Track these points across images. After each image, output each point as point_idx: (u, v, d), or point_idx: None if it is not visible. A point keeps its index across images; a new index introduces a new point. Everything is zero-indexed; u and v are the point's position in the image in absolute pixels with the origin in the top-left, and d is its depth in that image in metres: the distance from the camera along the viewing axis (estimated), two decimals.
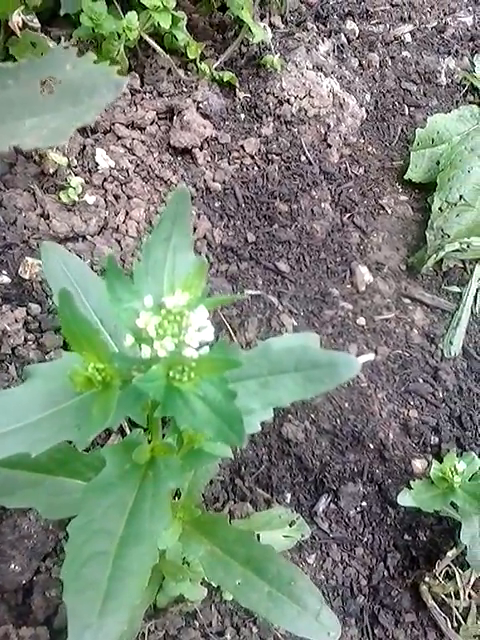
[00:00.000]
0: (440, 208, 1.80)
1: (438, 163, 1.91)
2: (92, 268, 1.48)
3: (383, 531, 1.44)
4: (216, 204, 1.74)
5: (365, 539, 1.42)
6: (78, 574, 0.68)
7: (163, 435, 0.88)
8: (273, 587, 0.93)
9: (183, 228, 0.76)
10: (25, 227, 1.52)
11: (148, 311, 0.63)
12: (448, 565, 1.37)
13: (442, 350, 1.68)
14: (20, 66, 0.71)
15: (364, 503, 1.46)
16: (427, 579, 1.36)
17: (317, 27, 2.12)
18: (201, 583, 1.19)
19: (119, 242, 1.57)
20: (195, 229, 1.66)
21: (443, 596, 1.35)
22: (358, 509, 1.45)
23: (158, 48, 1.79)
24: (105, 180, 1.64)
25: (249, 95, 1.89)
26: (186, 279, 0.68)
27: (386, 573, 1.39)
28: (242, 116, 1.87)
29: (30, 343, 1.39)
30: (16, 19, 1.36)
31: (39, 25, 1.46)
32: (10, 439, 0.66)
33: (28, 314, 1.41)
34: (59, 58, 0.70)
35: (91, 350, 0.66)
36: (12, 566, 1.19)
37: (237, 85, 1.88)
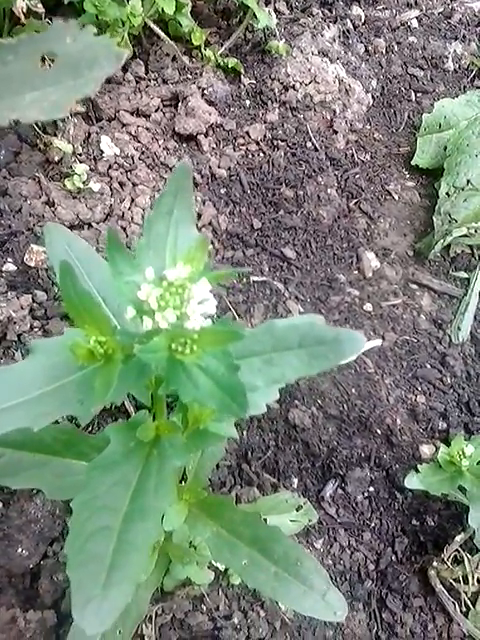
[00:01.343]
0: (447, 193, 1.78)
1: (445, 148, 1.89)
2: None
3: (391, 516, 1.43)
4: (221, 191, 1.73)
5: (372, 524, 1.42)
6: (82, 548, 0.68)
7: (168, 417, 0.88)
8: (279, 567, 0.93)
9: (185, 202, 0.76)
10: (30, 215, 1.52)
11: (149, 283, 0.63)
12: (456, 550, 1.36)
13: (450, 336, 1.67)
14: (20, 41, 0.70)
15: (371, 488, 1.45)
16: (435, 564, 1.36)
17: (322, 12, 2.11)
18: (208, 567, 1.19)
19: (124, 229, 1.57)
20: (200, 216, 1.65)
21: (451, 581, 1.34)
22: (365, 494, 1.44)
23: (162, 35, 1.79)
24: (110, 167, 1.63)
25: (254, 81, 1.89)
26: (188, 252, 0.68)
27: (394, 558, 1.39)
28: (247, 102, 1.86)
29: (36, 330, 1.39)
30: (20, 4, 1.36)
31: (43, 10, 1.46)
32: (12, 413, 0.66)
33: (34, 301, 1.41)
34: (59, 32, 0.69)
35: (93, 323, 0.66)
36: (19, 550, 1.19)
37: (242, 71, 1.87)
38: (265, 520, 1.16)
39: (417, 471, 1.33)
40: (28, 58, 0.71)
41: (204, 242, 0.69)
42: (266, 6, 2.00)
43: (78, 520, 0.71)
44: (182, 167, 0.75)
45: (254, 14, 1.80)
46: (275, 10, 2.02)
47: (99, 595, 0.64)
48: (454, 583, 1.36)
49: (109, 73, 0.66)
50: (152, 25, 1.76)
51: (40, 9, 1.44)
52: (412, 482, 1.31)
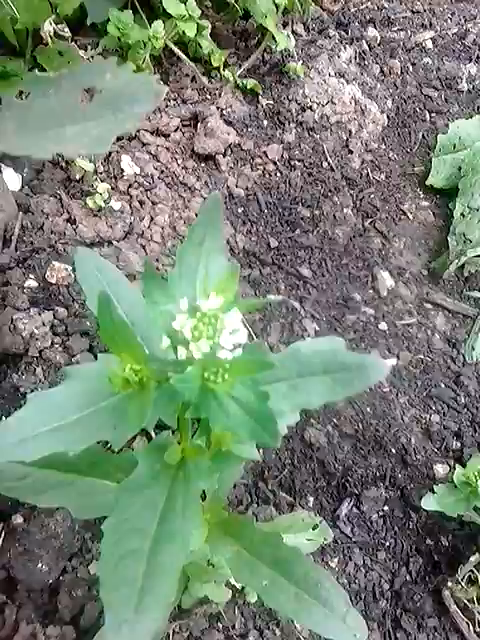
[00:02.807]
0: (462, 214, 1.80)
1: (460, 169, 1.91)
2: None
3: (405, 536, 1.44)
4: (239, 210, 1.75)
5: (387, 543, 1.43)
6: (114, 571, 0.70)
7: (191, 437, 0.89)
8: (300, 589, 0.94)
9: (215, 233, 0.78)
10: (52, 232, 1.55)
11: (184, 314, 0.65)
12: (471, 570, 1.37)
13: (464, 355, 1.68)
14: (61, 76, 0.73)
15: (386, 507, 1.46)
16: (449, 584, 1.36)
17: (339, 34, 2.14)
18: (225, 585, 1.20)
19: (144, 247, 1.59)
20: None
21: (466, 601, 1.35)
22: (380, 513, 1.45)
23: (183, 56, 1.82)
24: (130, 186, 1.66)
25: (272, 102, 1.91)
26: (219, 283, 0.70)
27: (408, 577, 1.40)
28: (265, 123, 1.89)
29: (57, 346, 1.41)
30: (47, 28, 1.39)
31: (70, 34, 1.49)
32: (48, 438, 0.68)
33: (55, 317, 1.44)
34: (99, 68, 0.72)
35: (128, 352, 0.68)
36: (39, 565, 1.21)
37: (260, 92, 1.90)
38: (283, 540, 1.17)
39: (433, 491, 1.34)
40: (69, 92, 0.73)
41: (234, 272, 0.71)
42: (284, 28, 2.03)
43: (108, 543, 0.72)
44: (213, 199, 0.77)
45: (273, 36, 1.84)
46: (293, 32, 2.05)
47: (131, 619, 0.66)
48: (468, 603, 1.36)
49: (149, 109, 0.69)
50: (173, 47, 1.79)
51: (67, 33, 1.48)
52: (429, 503, 1.32)
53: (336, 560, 1.39)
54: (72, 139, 0.69)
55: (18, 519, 1.24)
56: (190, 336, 0.64)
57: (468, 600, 1.36)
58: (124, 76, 0.73)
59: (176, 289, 0.72)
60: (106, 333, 0.67)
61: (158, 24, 1.71)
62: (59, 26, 1.46)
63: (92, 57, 1.79)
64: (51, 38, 1.48)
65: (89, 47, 1.83)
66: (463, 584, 1.37)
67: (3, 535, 1.23)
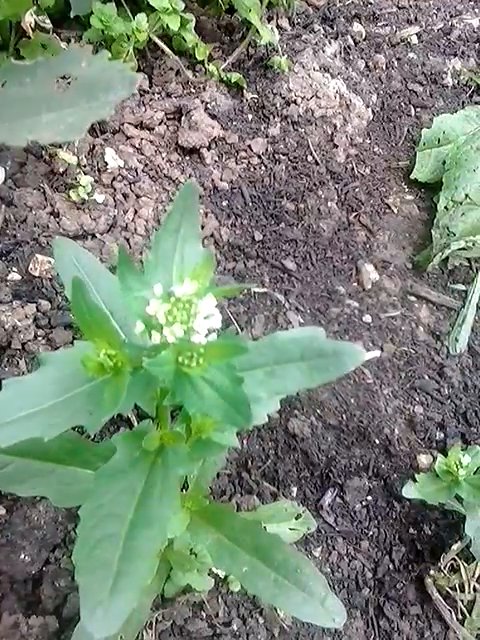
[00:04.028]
0: (446, 207, 1.81)
1: (444, 163, 1.92)
2: None
3: (388, 525, 1.45)
4: (223, 203, 1.76)
5: (370, 533, 1.44)
6: (90, 555, 0.70)
7: (172, 426, 0.90)
8: (279, 574, 0.95)
9: (191, 220, 0.78)
10: (35, 225, 1.55)
11: (158, 299, 0.65)
12: (453, 558, 1.38)
13: (448, 347, 1.70)
14: (37, 64, 0.74)
15: (369, 497, 1.47)
16: (432, 572, 1.38)
17: (324, 29, 2.15)
18: (208, 574, 1.21)
19: (128, 240, 1.59)
20: (203, 228, 1.68)
21: (448, 589, 1.36)
22: (364, 503, 1.47)
23: (167, 49, 1.82)
24: (114, 179, 1.66)
25: (256, 96, 1.92)
26: (195, 269, 0.70)
27: (391, 566, 1.41)
28: (249, 116, 1.89)
29: (40, 339, 1.41)
30: (28, 19, 1.39)
31: (51, 26, 1.49)
32: (24, 424, 0.68)
33: (38, 310, 1.44)
34: (74, 56, 0.72)
35: (103, 337, 0.69)
36: (22, 556, 1.21)
37: (245, 86, 1.90)
38: (265, 528, 1.18)
39: (415, 480, 1.36)
40: (44, 80, 0.74)
41: (210, 259, 0.71)
42: (269, 22, 2.03)
43: (85, 527, 0.73)
44: (189, 186, 0.78)
45: (257, 30, 1.84)
46: (277, 26, 2.06)
47: (106, 600, 0.66)
48: (451, 591, 1.38)
49: (124, 96, 0.69)
50: (157, 40, 1.79)
51: (48, 24, 1.48)
52: (410, 491, 1.33)
53: (319, 549, 1.40)
54: (47, 126, 0.69)
55: (0, 510, 1.24)
56: (164, 321, 0.64)
57: (450, 588, 1.38)
58: (99, 64, 0.73)
59: (151, 275, 0.72)
60: (80, 318, 0.68)
61: (142, 17, 1.70)
62: (40, 18, 1.46)
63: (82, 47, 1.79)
64: (33, 30, 1.47)
65: (73, 40, 1.83)
66: (445, 572, 1.38)
67: None
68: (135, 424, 1.34)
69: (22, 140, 0.69)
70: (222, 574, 1.25)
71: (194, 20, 1.81)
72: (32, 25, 1.43)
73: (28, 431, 0.68)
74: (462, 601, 1.36)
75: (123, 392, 0.68)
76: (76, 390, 0.71)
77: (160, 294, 0.66)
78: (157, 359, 0.64)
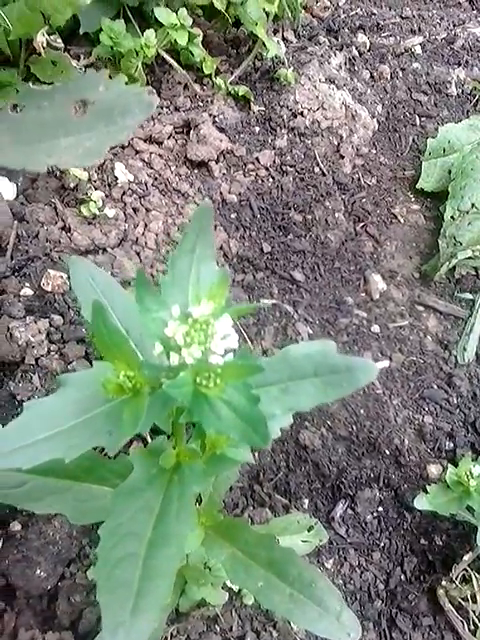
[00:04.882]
0: (452, 216, 1.82)
1: (449, 172, 1.93)
2: None
3: (400, 536, 1.45)
4: (232, 215, 1.77)
5: (382, 544, 1.44)
6: (110, 575, 0.71)
7: (186, 441, 0.91)
8: (294, 589, 0.95)
9: (206, 240, 0.80)
10: (47, 240, 1.56)
11: (176, 320, 0.66)
12: (464, 569, 1.39)
13: (456, 356, 1.70)
14: (54, 88, 0.75)
15: (380, 508, 1.48)
16: (444, 583, 1.38)
17: (329, 40, 2.16)
18: (222, 588, 1.21)
19: (138, 254, 1.61)
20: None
21: (460, 600, 1.36)
22: (375, 514, 1.47)
23: (175, 64, 1.84)
24: (124, 193, 1.68)
25: (263, 108, 1.93)
26: (211, 289, 0.71)
27: (403, 577, 1.41)
28: (257, 129, 1.91)
29: (53, 353, 1.43)
30: (40, 39, 1.41)
31: (62, 45, 1.51)
32: (45, 446, 0.69)
33: (51, 325, 1.45)
34: (92, 80, 0.73)
35: (122, 359, 0.70)
36: (38, 572, 1.22)
37: (252, 99, 1.92)
38: (278, 541, 1.19)
39: (426, 492, 1.36)
40: (62, 105, 0.75)
41: (225, 278, 0.72)
42: (275, 35, 2.05)
43: (105, 547, 0.74)
44: (203, 207, 0.79)
45: (263, 43, 1.86)
46: (283, 39, 2.08)
47: (128, 621, 0.67)
48: (463, 602, 1.38)
49: (141, 120, 0.70)
50: (165, 55, 1.81)
51: (59, 44, 1.50)
52: (421, 503, 1.33)
53: (331, 561, 1.40)
54: (66, 151, 0.70)
55: (16, 526, 1.25)
56: (182, 342, 0.65)
57: (462, 599, 1.38)
58: (116, 88, 0.74)
59: (168, 296, 0.73)
60: (100, 341, 0.69)
61: (150, 33, 1.73)
62: (52, 37, 1.48)
63: (85, 66, 1.81)
64: (44, 49, 1.49)
65: (82, 56, 1.85)
66: (457, 583, 1.38)
67: (1, 542, 1.24)
68: (148, 438, 1.35)
69: (42, 165, 0.71)
70: (236, 588, 1.26)
71: (201, 34, 1.83)
72: (44, 44, 1.45)
73: (49, 453, 0.69)
74: (474, 612, 1.36)
75: (143, 413, 0.69)
76: (95, 411, 0.72)
77: (178, 315, 0.67)
78: (176, 381, 0.65)
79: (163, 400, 0.72)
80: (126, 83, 0.74)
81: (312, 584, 0.96)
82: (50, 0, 1.33)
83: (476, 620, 1.36)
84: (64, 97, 0.75)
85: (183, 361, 0.65)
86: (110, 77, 1.72)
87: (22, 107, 0.77)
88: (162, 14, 1.72)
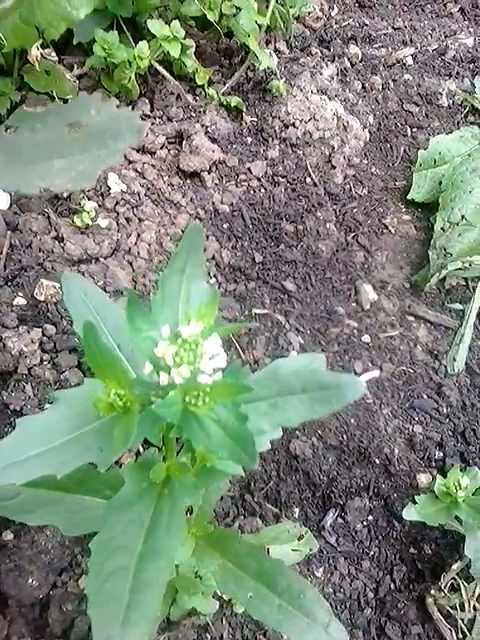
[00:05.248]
0: (442, 228, 1.84)
1: (440, 183, 1.95)
2: (105, 289, 1.53)
3: (389, 545, 1.47)
4: (224, 225, 1.79)
5: (372, 552, 1.46)
6: (101, 588, 0.72)
7: (177, 453, 0.92)
8: (283, 600, 0.97)
9: (196, 260, 0.81)
10: (40, 250, 1.57)
11: (165, 340, 0.68)
12: (453, 578, 1.40)
13: (446, 366, 1.72)
14: (48, 111, 0.76)
15: (370, 517, 1.49)
16: (433, 591, 1.40)
17: (321, 51, 2.18)
18: (213, 596, 1.23)
19: (131, 264, 1.62)
20: (204, 250, 1.71)
21: (449, 608, 1.38)
22: (365, 523, 1.49)
23: (168, 75, 1.86)
24: (117, 203, 1.69)
25: (256, 119, 1.95)
26: (199, 309, 0.73)
27: (392, 586, 1.43)
28: (249, 140, 1.92)
29: (45, 363, 1.44)
30: (35, 53, 1.42)
31: (56, 58, 1.52)
32: (37, 461, 0.71)
33: (43, 335, 1.46)
34: (84, 103, 0.75)
35: (113, 377, 0.71)
36: (30, 581, 1.23)
37: (244, 109, 1.94)
38: (268, 550, 1.20)
39: (414, 502, 1.38)
40: (55, 127, 0.76)
41: (214, 298, 0.74)
42: (267, 46, 2.07)
43: (96, 561, 0.75)
44: (194, 228, 0.81)
45: (255, 55, 1.87)
46: (276, 50, 2.09)
47: (118, 635, 0.69)
48: (451, 610, 1.40)
49: (132, 144, 0.72)
50: (158, 66, 1.83)
51: (53, 57, 1.51)
52: (410, 513, 1.35)
53: (321, 570, 1.42)
54: (59, 173, 0.72)
55: (8, 535, 1.26)
56: (171, 362, 0.67)
57: (451, 607, 1.40)
58: (108, 111, 0.76)
59: (158, 315, 0.75)
60: (91, 360, 0.70)
61: (143, 44, 1.74)
62: (46, 51, 1.49)
63: (78, 77, 1.82)
64: (38, 61, 1.50)
65: (75, 66, 1.86)
66: (446, 591, 1.40)
67: None
68: (140, 449, 1.36)
69: (34, 187, 0.72)
70: (226, 597, 1.27)
71: (194, 45, 1.85)
72: (38, 58, 1.47)
73: (41, 468, 0.71)
74: (462, 620, 1.38)
75: (133, 430, 0.70)
76: (87, 428, 0.73)
77: (168, 335, 0.68)
78: (165, 400, 0.67)
79: (153, 417, 0.73)
80: (117, 106, 0.75)
81: (301, 595, 0.98)
82: (44, 14, 1.34)
83: (464, 628, 1.38)
84: (57, 119, 0.76)
85: (172, 381, 0.67)
86: (104, 87, 1.73)
87: (15, 128, 0.78)
88: (155, 26, 1.74)
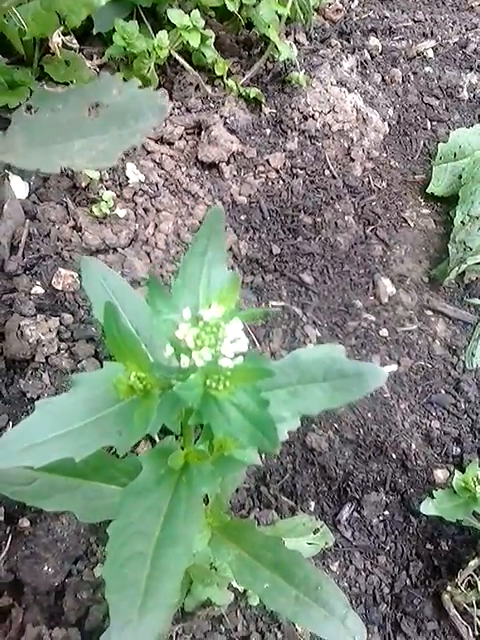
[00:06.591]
0: (462, 222, 1.82)
1: (460, 177, 1.93)
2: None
3: (405, 540, 1.46)
4: (242, 217, 1.78)
5: (388, 548, 1.44)
6: (118, 573, 0.72)
7: (194, 442, 0.91)
8: (300, 591, 0.96)
9: (217, 244, 0.80)
10: (58, 239, 1.57)
11: (186, 323, 0.67)
12: (470, 574, 1.38)
13: (464, 362, 1.70)
14: (69, 91, 0.75)
15: (387, 512, 1.48)
16: (449, 588, 1.38)
17: (341, 43, 2.17)
18: (228, 588, 1.22)
19: (148, 254, 1.61)
20: None
21: (465, 605, 1.36)
22: (381, 518, 1.47)
23: (187, 65, 1.85)
24: (135, 194, 1.69)
25: (274, 110, 1.94)
26: (221, 292, 0.72)
27: (408, 582, 1.41)
28: (268, 131, 1.91)
29: (63, 352, 1.43)
30: (56, 40, 1.42)
31: (77, 45, 1.52)
32: (56, 444, 0.70)
33: (61, 324, 1.46)
34: (106, 83, 0.74)
35: (133, 360, 0.70)
36: (45, 568, 1.23)
37: (263, 101, 1.92)
38: (284, 543, 1.19)
39: (432, 497, 1.36)
40: (76, 107, 0.75)
41: (235, 282, 0.73)
42: (287, 37, 2.06)
43: (114, 546, 0.74)
44: (215, 211, 0.80)
45: (275, 46, 1.86)
46: (295, 41, 2.08)
47: (136, 620, 0.68)
48: (468, 607, 1.38)
49: (154, 124, 0.71)
50: (177, 56, 1.82)
51: (75, 44, 1.50)
52: (427, 508, 1.34)
53: (337, 564, 1.40)
54: (79, 153, 0.71)
55: (25, 522, 1.26)
56: (192, 345, 0.66)
57: (467, 604, 1.38)
58: (130, 91, 0.75)
59: (179, 298, 0.74)
60: (112, 342, 0.69)
61: (163, 34, 1.73)
62: (67, 38, 1.49)
63: (98, 66, 1.82)
64: (59, 49, 1.50)
65: (95, 56, 1.86)
66: (462, 588, 1.38)
67: (10, 538, 1.25)
68: (156, 438, 1.36)
69: (55, 166, 0.71)
70: (241, 588, 1.26)
71: (213, 36, 1.84)
72: (59, 45, 1.46)
73: (60, 451, 0.70)
74: (479, 617, 1.36)
75: (153, 414, 0.69)
76: (106, 411, 0.73)
77: (188, 318, 0.67)
78: (186, 383, 0.66)
79: (173, 401, 0.72)
80: (140, 86, 0.74)
81: (318, 587, 0.97)
82: (65, 1, 1.34)
83: None
84: (78, 99, 0.75)
85: (193, 363, 0.66)
86: (124, 79, 1.73)
87: (36, 109, 0.77)
88: (175, 16, 1.73)
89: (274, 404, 0.80)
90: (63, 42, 1.50)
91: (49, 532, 1.24)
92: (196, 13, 1.75)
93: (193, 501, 0.81)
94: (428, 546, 1.46)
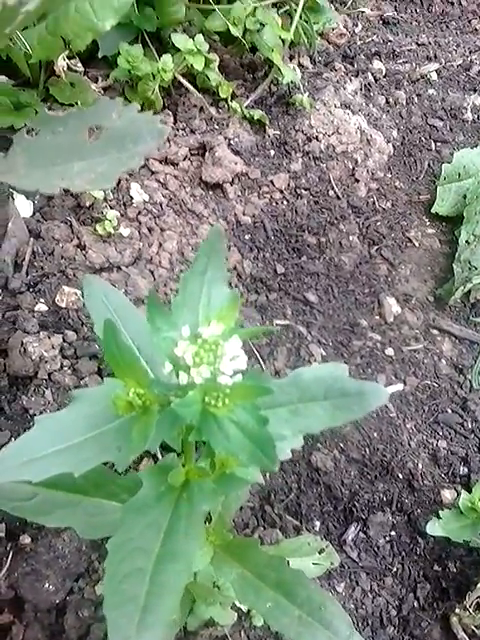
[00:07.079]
0: (467, 241, 1.82)
1: (465, 197, 1.94)
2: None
3: (413, 561, 1.44)
4: (246, 237, 1.79)
5: (394, 569, 1.43)
6: (117, 589, 0.72)
7: (196, 460, 0.91)
8: (303, 611, 0.95)
9: (218, 263, 0.81)
10: (62, 257, 1.59)
11: (185, 340, 0.67)
12: (478, 597, 1.36)
13: (471, 381, 1.69)
14: (69, 114, 0.77)
15: (393, 532, 1.46)
16: (457, 611, 1.36)
17: (345, 67, 2.19)
18: (231, 607, 1.21)
19: (152, 273, 1.62)
20: (226, 260, 1.70)
21: (473, 628, 1.34)
22: (387, 538, 1.46)
23: (191, 88, 1.87)
24: (139, 213, 1.70)
25: (279, 132, 1.96)
26: (220, 310, 0.72)
27: (416, 604, 1.39)
28: (272, 152, 1.93)
29: (66, 369, 1.44)
30: (61, 63, 1.45)
31: (82, 69, 1.54)
32: (56, 459, 0.70)
33: (64, 341, 1.47)
34: (106, 107, 0.75)
35: (132, 376, 0.71)
36: (46, 585, 1.22)
37: (267, 123, 1.94)
38: (288, 563, 1.18)
39: (439, 517, 1.35)
40: (76, 130, 0.77)
41: (235, 301, 0.73)
42: (290, 61, 2.08)
43: (113, 562, 0.74)
44: (215, 230, 0.80)
45: (279, 69, 1.88)
46: (299, 65, 2.10)
47: (134, 636, 0.67)
48: (476, 630, 1.35)
49: (152, 148, 0.72)
50: (181, 79, 1.85)
51: (79, 68, 1.53)
52: (434, 529, 1.32)
53: (343, 585, 1.39)
54: (78, 175, 0.72)
55: (26, 539, 1.25)
56: (191, 362, 0.66)
57: (476, 627, 1.36)
58: (129, 115, 0.76)
59: (179, 316, 0.74)
60: (111, 358, 0.70)
61: (167, 57, 1.76)
62: (72, 61, 1.52)
63: (103, 89, 1.85)
64: (64, 72, 1.53)
65: (100, 78, 1.89)
66: (471, 611, 1.36)
67: (11, 555, 1.25)
68: (159, 455, 1.36)
69: (55, 187, 0.73)
70: (245, 608, 1.25)
71: (217, 59, 1.87)
72: (64, 68, 1.49)
73: (59, 466, 0.70)
74: None
75: (151, 430, 0.70)
76: (105, 427, 0.73)
77: (188, 336, 0.68)
78: (184, 400, 0.66)
79: (172, 418, 0.72)
80: (140, 110, 0.76)
81: (322, 607, 0.96)
82: (70, 25, 1.36)
83: None
84: (78, 123, 0.77)
85: (192, 380, 0.66)
86: (128, 100, 1.75)
87: (37, 131, 0.79)
88: (179, 40, 1.76)
89: (274, 422, 0.80)
90: (68, 65, 1.53)
91: (50, 549, 1.24)
92: (200, 37, 1.78)
93: (194, 518, 0.81)
94: (436, 567, 1.44)
